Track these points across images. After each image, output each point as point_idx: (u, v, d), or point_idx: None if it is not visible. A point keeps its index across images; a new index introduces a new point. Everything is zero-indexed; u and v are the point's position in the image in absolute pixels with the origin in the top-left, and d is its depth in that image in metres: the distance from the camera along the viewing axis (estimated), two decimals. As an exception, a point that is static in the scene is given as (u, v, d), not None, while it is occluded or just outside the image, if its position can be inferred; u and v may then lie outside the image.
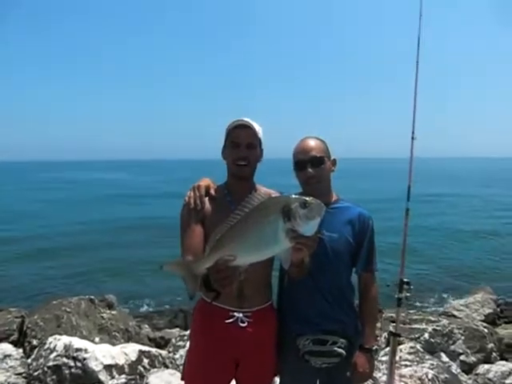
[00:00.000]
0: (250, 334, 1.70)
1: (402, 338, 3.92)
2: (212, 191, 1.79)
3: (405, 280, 3.12)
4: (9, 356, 4.13)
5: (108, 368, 3.66)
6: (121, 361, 3.75)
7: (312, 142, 1.84)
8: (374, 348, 1.91)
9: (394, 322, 3.63)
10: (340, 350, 1.71)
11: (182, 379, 1.80)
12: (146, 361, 3.92)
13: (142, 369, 3.82)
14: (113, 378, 3.59)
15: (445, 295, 7.74)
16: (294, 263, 1.43)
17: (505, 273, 9.92)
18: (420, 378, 3.31)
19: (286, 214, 1.29)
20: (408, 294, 3.13)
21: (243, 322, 1.69)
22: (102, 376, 3.59)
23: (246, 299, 1.71)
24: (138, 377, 3.56)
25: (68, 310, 5.33)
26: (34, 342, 4.63)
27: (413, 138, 3.44)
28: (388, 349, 3.32)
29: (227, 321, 1.68)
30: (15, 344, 4.63)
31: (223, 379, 1.74)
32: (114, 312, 5.91)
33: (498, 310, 6.26)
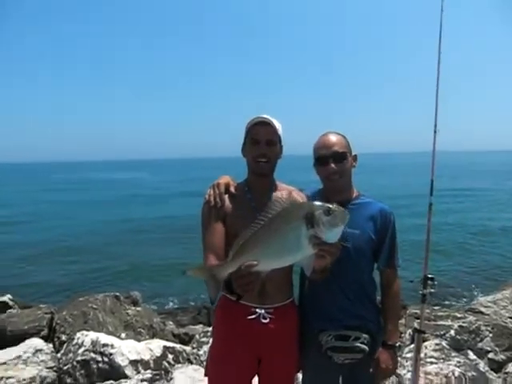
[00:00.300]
0: (272, 330, 1.71)
1: (426, 335, 3.86)
2: (232, 188, 1.81)
3: (429, 276, 3.07)
4: (40, 351, 4.27)
5: (134, 363, 3.74)
6: (146, 356, 3.83)
7: (334, 138, 1.83)
8: (397, 344, 1.88)
9: (418, 318, 3.58)
10: (363, 346, 1.70)
11: (206, 375, 1.83)
12: (170, 356, 4.00)
13: (166, 364, 3.90)
14: (138, 373, 3.67)
15: (471, 292, 7.55)
16: (317, 270, 1.44)
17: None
18: (446, 376, 3.25)
19: (310, 220, 1.31)
20: (432, 290, 3.08)
21: (265, 319, 1.70)
22: (128, 371, 3.68)
23: (267, 296, 1.72)
24: (162, 372, 3.62)
25: (94, 306, 5.47)
26: (63, 338, 4.77)
27: (435, 132, 3.38)
28: (412, 346, 3.27)
29: (249, 317, 1.69)
30: (45, 339, 4.78)
31: (246, 375, 1.75)
32: (138, 309, 6.03)
33: (528, 306, 6.05)
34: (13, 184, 49.84)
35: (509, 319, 5.08)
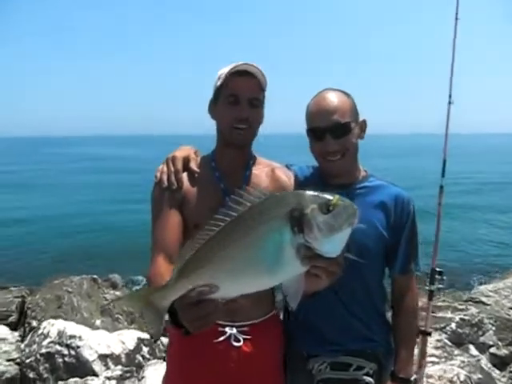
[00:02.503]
0: (248, 355, 1.28)
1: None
2: (192, 164, 1.35)
3: (437, 269, 2.70)
4: (3, 340, 3.91)
5: (103, 358, 3.37)
6: (117, 350, 3.46)
7: (334, 100, 1.35)
8: (413, 378, 1.47)
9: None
10: (368, 379, 1.28)
11: None
12: (145, 349, 3.63)
13: (140, 358, 3.54)
14: (108, 368, 3.30)
15: (472, 279, 7.23)
16: (307, 295, 0.99)
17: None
18: (451, 380, 2.91)
19: (298, 220, 0.87)
20: (441, 286, 2.71)
21: (238, 341, 1.27)
22: (97, 366, 3.31)
23: (240, 310, 1.27)
24: (134, 369, 3.25)
25: (70, 290, 5.11)
26: (34, 324, 4.41)
27: (450, 103, 2.94)
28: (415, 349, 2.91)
29: (216, 340, 1.26)
30: (15, 325, 4.44)
31: None
32: (117, 293, 5.69)
33: (530, 295, 5.76)
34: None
35: (511, 310, 4.77)
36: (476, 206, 16.06)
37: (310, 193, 0.90)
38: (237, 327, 1.28)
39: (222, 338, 1.26)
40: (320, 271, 0.91)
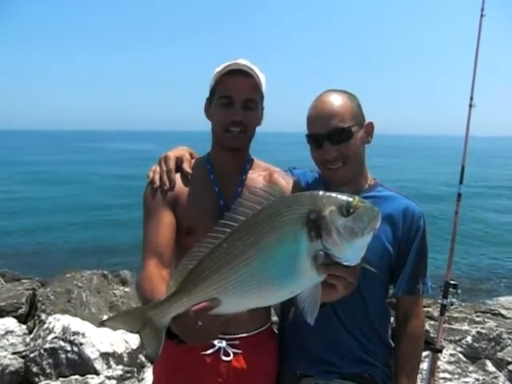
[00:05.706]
0: (238, 371, 1.19)
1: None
2: (185, 165, 1.28)
3: (452, 282, 2.55)
4: (11, 332, 3.92)
5: (105, 356, 3.34)
6: (120, 349, 3.42)
7: (333, 103, 1.26)
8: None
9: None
10: (364, 406, 1.19)
11: None
12: (148, 349, 3.59)
13: (143, 358, 3.50)
14: (109, 367, 3.27)
15: (491, 290, 6.95)
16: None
17: None
18: (463, 399, 2.76)
19: (315, 224, 0.78)
20: (454, 300, 2.56)
21: (227, 355, 1.19)
22: (98, 365, 3.28)
23: (233, 321, 1.19)
24: (135, 369, 3.21)
25: (80, 284, 5.12)
26: (43, 317, 4.42)
27: (471, 106, 2.78)
28: (425, 366, 2.77)
29: (204, 352, 1.18)
30: (25, 317, 4.46)
31: None
32: (127, 289, 5.67)
33: (553, 309, 5.49)
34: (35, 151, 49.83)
35: (533, 325, 4.54)
36: (497, 211, 15.58)
37: (326, 193, 0.81)
38: (227, 340, 1.20)
39: (210, 351, 1.19)
40: (337, 281, 0.82)
